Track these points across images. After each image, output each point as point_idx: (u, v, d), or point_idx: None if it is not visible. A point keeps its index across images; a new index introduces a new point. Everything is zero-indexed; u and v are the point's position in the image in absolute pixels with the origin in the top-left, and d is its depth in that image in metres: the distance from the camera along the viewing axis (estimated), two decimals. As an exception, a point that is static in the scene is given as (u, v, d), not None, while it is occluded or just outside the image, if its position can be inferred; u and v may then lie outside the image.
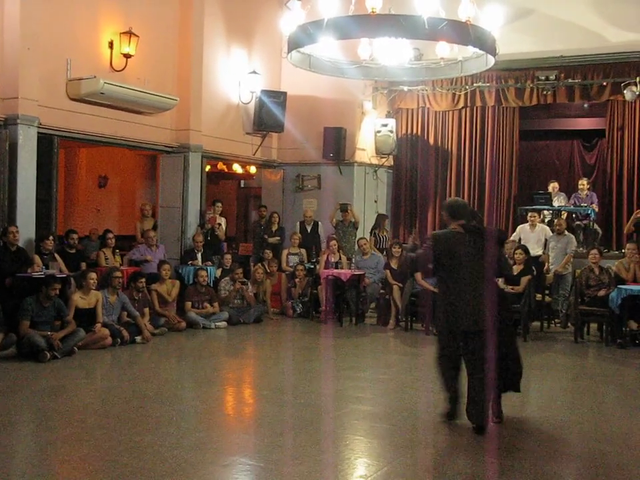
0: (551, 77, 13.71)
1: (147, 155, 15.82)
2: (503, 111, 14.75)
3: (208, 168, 14.55)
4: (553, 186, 14.06)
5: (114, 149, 14.21)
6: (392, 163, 15.67)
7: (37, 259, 10.04)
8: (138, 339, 9.92)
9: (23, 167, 10.31)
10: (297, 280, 12.82)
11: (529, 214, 12.76)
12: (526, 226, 12.72)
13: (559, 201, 13.80)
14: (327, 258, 12.77)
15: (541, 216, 13.36)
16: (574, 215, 13.81)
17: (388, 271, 12.05)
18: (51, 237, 10.42)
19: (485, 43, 9.33)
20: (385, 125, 14.96)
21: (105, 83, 11.09)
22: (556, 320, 12.07)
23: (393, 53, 10.43)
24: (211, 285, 11.93)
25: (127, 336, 9.75)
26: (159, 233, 12.67)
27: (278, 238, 13.92)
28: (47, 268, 9.87)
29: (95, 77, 11.09)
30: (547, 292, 11.77)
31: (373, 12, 8.72)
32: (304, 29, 9.15)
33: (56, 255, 10.43)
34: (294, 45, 9.57)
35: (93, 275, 9.79)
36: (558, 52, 13.47)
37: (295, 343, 11.17)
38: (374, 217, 14.51)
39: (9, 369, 8.27)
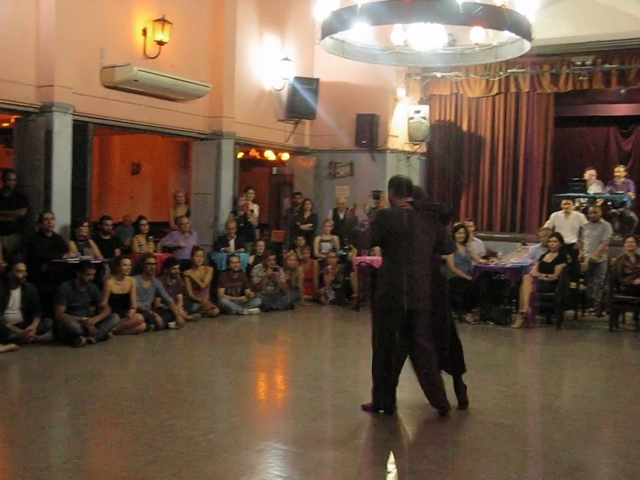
0: (587, 62, 13.49)
1: (179, 142, 15.87)
2: (538, 97, 14.56)
3: (240, 155, 14.58)
4: (590, 173, 13.84)
5: (147, 136, 14.27)
6: (424, 150, 15.56)
7: (72, 245, 10.14)
8: (171, 324, 10.00)
9: (59, 154, 10.39)
10: (329, 267, 12.82)
11: (563, 201, 12.61)
12: (560, 213, 12.57)
13: (594, 189, 13.61)
14: (360, 244, 12.74)
15: (576, 203, 13.19)
16: (609, 203, 13.60)
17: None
18: (85, 223, 10.51)
19: (520, 28, 9.21)
20: (418, 112, 14.85)
21: (139, 70, 11.13)
22: (590, 308, 11.94)
23: (426, 39, 10.34)
24: (244, 272, 11.97)
25: (160, 321, 9.83)
26: (192, 219, 12.72)
27: (310, 225, 13.93)
28: (82, 254, 9.96)
29: (128, 64, 11.13)
30: (581, 280, 11.63)
31: (407, -3, 8.67)
32: (338, 14, 9.10)
33: (91, 241, 10.52)
34: (327, 31, 9.53)
35: (127, 261, 9.87)
36: (594, 36, 13.22)
37: (328, 329, 11.18)
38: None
39: (45, 353, 8.38)
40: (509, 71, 14.29)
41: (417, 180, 15.44)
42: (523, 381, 8.03)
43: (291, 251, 12.97)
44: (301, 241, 13.25)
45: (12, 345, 8.32)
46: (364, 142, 14.55)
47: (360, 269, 12.11)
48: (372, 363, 6.32)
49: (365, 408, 6.31)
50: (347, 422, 6.07)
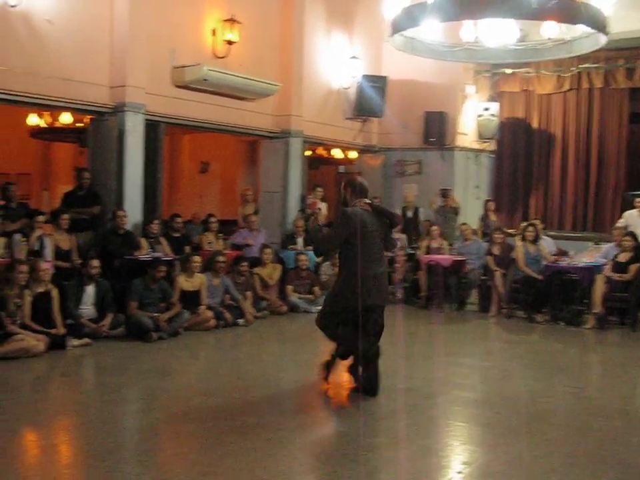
0: (664, 56, 13.15)
1: (247, 141, 15.97)
2: (611, 93, 14.24)
3: (308, 153, 14.62)
4: (665, 170, 13.49)
5: (215, 135, 14.42)
6: (494, 148, 15.37)
7: (144, 242, 10.32)
8: (240, 321, 10.09)
9: (131, 152, 10.58)
10: (397, 265, 12.75)
11: (637, 199, 12.28)
12: (634, 212, 12.24)
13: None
14: (428, 243, 12.64)
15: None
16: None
17: (490, 257, 11.85)
18: (156, 221, 10.68)
19: (596, 21, 9.00)
20: (487, 109, 14.69)
21: (209, 69, 11.26)
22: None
23: (497, 35, 10.19)
24: (312, 270, 11.99)
25: (229, 318, 9.93)
26: (260, 217, 12.80)
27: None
28: (153, 251, 10.13)
29: (198, 64, 11.27)
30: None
31: (478, -7, 8.56)
32: (408, 11, 9.05)
33: (161, 239, 10.69)
34: (397, 28, 9.48)
35: (197, 258, 9.99)
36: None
37: (395, 328, 11.09)
38: (475, 203, 14.28)
39: (117, 348, 8.55)
40: (581, 66, 14.04)
41: (486, 178, 15.30)
42: (595, 383, 7.88)
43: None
44: (369, 239, 13.17)
45: (86, 340, 8.52)
46: (432, 140, 14.46)
47: (428, 268, 12.01)
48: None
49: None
50: (416, 421, 6.02)
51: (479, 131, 14.83)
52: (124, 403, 6.46)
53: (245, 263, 10.75)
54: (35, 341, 7.82)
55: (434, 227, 12.76)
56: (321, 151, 16.25)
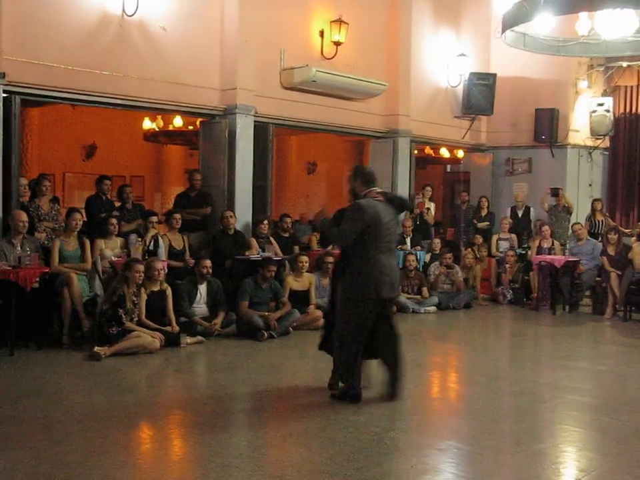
0: None
1: (353, 141, 16.04)
2: None
3: (415, 152, 14.51)
4: None
5: (322, 135, 14.51)
6: (608, 145, 14.85)
7: (254, 242, 10.46)
8: (350, 321, 10.07)
9: (241, 154, 10.76)
10: (507, 266, 12.53)
11: None
12: None
13: None
14: (540, 243, 12.34)
15: None
16: None
17: (605, 258, 11.47)
18: (266, 221, 10.81)
19: None
20: (601, 105, 14.21)
21: (317, 71, 11.34)
22: None
23: (615, 26, 9.83)
24: (420, 270, 11.90)
25: (338, 318, 9.94)
26: (368, 217, 12.76)
27: (487, 223, 13.66)
28: (263, 251, 10.26)
29: (307, 65, 11.36)
30: None
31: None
32: (520, 6, 8.87)
33: (271, 239, 10.81)
34: (509, 23, 9.31)
35: (305, 258, 10.06)
36: None
37: (506, 329, 10.94)
38: (587, 202, 13.85)
39: (229, 346, 8.71)
40: (702, 58, 13.38)
41: (599, 176, 14.83)
42: None
43: (469, 249, 12.77)
44: (478, 239, 13.02)
45: (199, 338, 8.71)
46: (543, 137, 14.12)
47: (540, 268, 11.72)
48: (340, 353, 6.35)
49: (334, 396, 6.38)
50: (530, 425, 5.88)
51: (592, 128, 14.37)
52: (236, 399, 6.56)
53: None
54: (150, 338, 8.05)
55: (545, 227, 12.46)
56: (428, 150, 16.11)
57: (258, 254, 10.09)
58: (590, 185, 14.68)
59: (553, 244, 12.30)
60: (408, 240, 12.45)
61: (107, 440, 5.19)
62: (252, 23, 10.82)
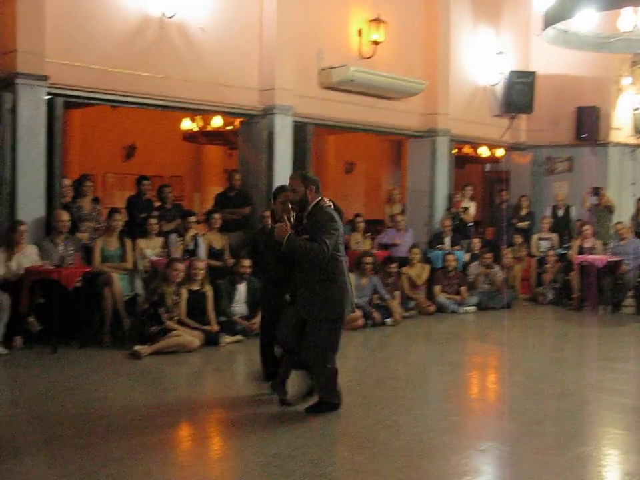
0: None
1: (391, 140, 15.99)
2: None
3: (454, 152, 14.42)
4: None
5: (360, 135, 14.48)
6: (651, 143, 14.63)
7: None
8: (388, 321, 10.07)
9: (280, 154, 10.78)
10: (547, 265, 12.39)
11: None
12: None
13: None
14: (581, 243, 12.19)
15: None
16: None
17: (648, 258, 11.30)
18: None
19: None
20: (645, 102, 14.01)
21: (355, 70, 11.32)
22: None
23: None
24: (460, 270, 11.82)
25: (378, 318, 9.94)
26: (407, 216, 12.73)
27: (527, 222, 13.51)
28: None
29: (345, 65, 11.34)
30: None
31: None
32: (562, 3, 8.75)
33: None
34: (551, 20, 9.20)
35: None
36: None
37: (546, 330, 10.82)
38: (630, 201, 13.64)
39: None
40: None
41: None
42: None
43: (508, 249, 12.65)
44: (518, 239, 12.90)
45: (238, 337, 8.75)
46: (584, 136, 13.95)
47: (581, 268, 11.57)
48: (320, 376, 5.92)
49: (312, 410, 5.95)
50: (573, 427, 5.82)
51: (635, 125, 14.17)
52: (275, 399, 6.57)
53: (394, 264, 10.73)
54: (190, 337, 8.11)
55: (586, 226, 12.29)
56: (467, 149, 16.00)
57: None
58: (633, 184, 14.45)
59: (594, 244, 12.13)
60: (447, 239, 12.36)
61: (149, 437, 5.24)
62: (290, 23, 10.84)
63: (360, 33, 11.97)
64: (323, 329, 5.71)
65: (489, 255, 11.96)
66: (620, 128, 14.20)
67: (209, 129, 13.34)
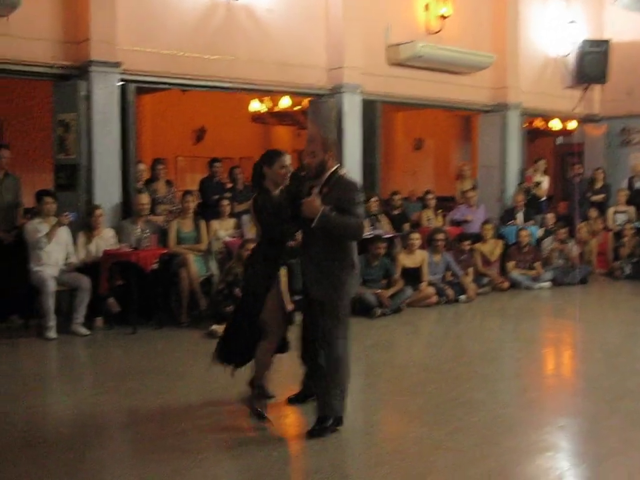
0: None
1: (460, 116, 15.79)
2: None
3: (524, 125, 14.18)
4: None
5: (428, 111, 14.35)
6: None
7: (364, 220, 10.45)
8: (462, 297, 10.01)
9: (350, 132, 10.77)
10: (625, 239, 12.10)
11: None
12: None
13: None
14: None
15: None
16: None
17: None
18: (375, 199, 10.80)
19: None
20: None
21: (423, 46, 11.21)
22: None
23: None
24: (534, 245, 11.65)
25: (451, 295, 9.89)
26: (478, 192, 12.58)
27: (603, 195, 13.21)
28: (374, 228, 10.26)
29: (412, 41, 11.25)
30: None
31: None
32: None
33: (381, 216, 10.80)
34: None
35: (416, 235, 10.02)
36: None
37: (624, 304, 10.60)
38: None
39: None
40: None
41: None
42: None
43: (583, 223, 12.40)
44: (593, 212, 12.63)
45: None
46: (662, 105, 13.51)
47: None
48: (332, 372, 5.03)
49: (313, 434, 4.89)
50: (657, 402, 5.72)
51: None
52: (352, 376, 6.60)
53: (467, 241, 10.65)
54: (265, 316, 8.20)
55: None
56: (538, 122, 15.69)
57: (368, 232, 10.09)
58: None
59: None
60: (520, 215, 12.18)
61: (230, 415, 5.36)
62: (356, 0, 10.78)
63: (427, 7, 11.83)
64: (326, 312, 5.02)
65: (563, 230, 11.74)
66: (700, 96, 13.74)
67: (277, 109, 13.40)
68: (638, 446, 4.78)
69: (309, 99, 11.11)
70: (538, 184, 12.85)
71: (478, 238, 11.18)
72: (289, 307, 8.52)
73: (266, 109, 13.50)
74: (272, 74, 10.22)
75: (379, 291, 9.21)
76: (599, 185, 13.31)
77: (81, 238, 8.40)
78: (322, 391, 5.03)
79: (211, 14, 9.66)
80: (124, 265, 8.23)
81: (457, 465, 4.39)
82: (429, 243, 10.24)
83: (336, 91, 10.74)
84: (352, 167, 10.76)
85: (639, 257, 11.92)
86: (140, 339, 7.92)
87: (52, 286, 7.84)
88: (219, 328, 7.88)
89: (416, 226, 11.35)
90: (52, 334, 7.74)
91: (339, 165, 5.23)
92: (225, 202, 9.55)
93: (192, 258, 8.74)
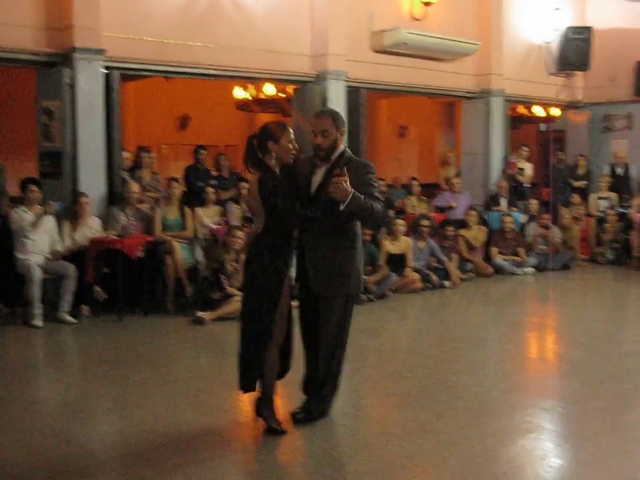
0: None
1: (444, 103, 15.80)
2: None
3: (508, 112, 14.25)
4: None
5: (412, 98, 14.36)
6: None
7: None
8: (446, 283, 10.09)
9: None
10: (607, 225, 12.21)
11: None
12: None
13: None
14: (641, 202, 12.01)
15: None
16: None
17: None
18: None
19: None
20: None
21: (407, 33, 11.22)
22: None
23: None
24: (518, 231, 11.73)
25: (436, 280, 9.96)
26: (462, 179, 12.63)
27: (585, 182, 13.30)
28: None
29: (397, 28, 11.25)
30: None
31: None
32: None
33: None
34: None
35: (401, 222, 10.08)
36: None
37: (606, 290, 10.72)
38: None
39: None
40: None
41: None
42: None
43: (565, 209, 12.50)
44: (576, 198, 12.73)
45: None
46: (644, 91, 13.59)
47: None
48: (336, 362, 4.85)
49: (295, 417, 4.78)
50: (634, 386, 5.82)
51: (696, 79, 13.76)
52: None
53: (451, 227, 10.71)
54: (252, 303, 8.23)
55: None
56: (521, 109, 15.76)
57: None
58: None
59: (655, 201, 11.93)
60: (503, 201, 12.26)
61: (217, 400, 5.40)
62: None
63: (410, -6, 11.86)
64: (339, 307, 4.77)
65: (546, 216, 11.84)
66: (681, 82, 13.82)
67: (261, 97, 13.39)
68: (620, 427, 4.86)
69: (294, 86, 11.12)
70: (521, 170, 12.92)
71: (462, 224, 11.25)
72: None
73: (250, 97, 13.49)
74: (256, 61, 10.20)
75: (364, 277, 9.23)
76: (581, 171, 13.41)
77: (67, 226, 8.38)
78: (328, 392, 4.84)
79: (195, 1, 9.62)
80: (110, 253, 8.23)
81: (443, 447, 4.45)
82: (413, 229, 10.30)
83: (320, 77, 10.73)
84: (337, 153, 10.78)
85: (621, 243, 12.03)
86: (126, 326, 7.93)
87: (38, 274, 7.83)
88: (205, 315, 7.93)
89: (400, 212, 11.41)
90: (38, 322, 7.73)
91: (344, 147, 4.82)
92: (210, 189, 9.55)
93: (178, 245, 8.75)
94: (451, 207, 11.82)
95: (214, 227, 9.29)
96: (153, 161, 9.88)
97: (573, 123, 14.90)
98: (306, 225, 4.63)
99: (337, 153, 4.69)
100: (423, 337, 7.63)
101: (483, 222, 11.79)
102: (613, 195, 12.80)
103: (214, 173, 10.46)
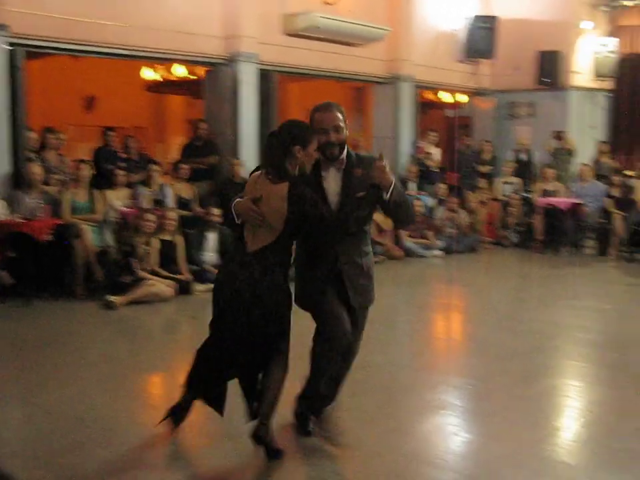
0: None
1: (353, 87, 15.93)
2: None
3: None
4: None
5: (321, 82, 14.41)
6: (612, 86, 14.78)
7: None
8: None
9: (246, 102, 10.75)
10: (512, 209, 12.60)
11: None
12: None
13: None
14: (543, 187, 12.40)
15: None
16: None
17: (609, 200, 11.55)
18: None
19: None
20: (605, 45, 14.12)
21: (320, 17, 11.25)
22: None
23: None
24: (427, 214, 11.97)
25: (347, 263, 10.04)
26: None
27: (491, 167, 13.67)
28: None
29: (309, 11, 11.26)
30: None
31: None
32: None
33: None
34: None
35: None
36: None
37: (511, 271, 11.05)
38: (590, 144, 13.85)
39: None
40: None
41: (602, 118, 14.76)
42: None
43: (472, 193, 12.83)
44: (482, 183, 13.07)
45: (209, 285, 8.78)
46: (546, 80, 14.03)
47: (545, 211, 11.81)
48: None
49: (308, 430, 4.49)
50: (542, 362, 6.08)
51: (595, 69, 14.30)
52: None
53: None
54: (164, 286, 8.18)
55: (549, 170, 12.50)
56: (429, 94, 16.03)
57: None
58: (593, 127, 14.65)
59: (556, 187, 12.35)
60: (413, 185, 12.48)
61: (130, 384, 5.35)
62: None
63: (323, -22, 11.88)
64: (365, 316, 4.66)
65: (454, 200, 12.13)
66: (580, 72, 14.32)
67: (171, 78, 13.20)
68: (525, 401, 5.06)
69: (205, 68, 11.01)
70: (429, 155, 13.19)
71: (373, 207, 11.37)
72: (187, 276, 8.56)
73: (160, 78, 13.28)
74: (167, 42, 10.05)
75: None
76: (486, 156, 13.77)
77: (-30, 208, 8.11)
78: (330, 395, 4.58)
79: (104, -22, 9.42)
80: (16, 237, 8.00)
81: (360, 424, 4.56)
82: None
83: (232, 60, 10.66)
84: (248, 137, 10.78)
85: (525, 226, 12.42)
86: (34, 311, 7.72)
87: (-61, 258, 7.56)
88: (116, 299, 7.81)
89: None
90: (-59, 307, 7.49)
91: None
92: (120, 172, 9.38)
93: (87, 228, 8.57)
94: (360, 191, 11.92)
95: (124, 209, 9.14)
96: (61, 142, 9.58)
97: (479, 109, 15.27)
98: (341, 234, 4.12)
99: (345, 151, 4.18)
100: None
101: (393, 205, 11.92)
102: (517, 180, 13.19)
103: (122, 155, 10.26)
